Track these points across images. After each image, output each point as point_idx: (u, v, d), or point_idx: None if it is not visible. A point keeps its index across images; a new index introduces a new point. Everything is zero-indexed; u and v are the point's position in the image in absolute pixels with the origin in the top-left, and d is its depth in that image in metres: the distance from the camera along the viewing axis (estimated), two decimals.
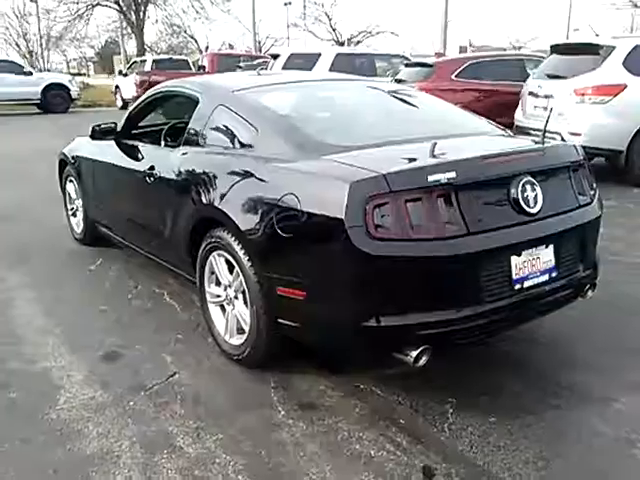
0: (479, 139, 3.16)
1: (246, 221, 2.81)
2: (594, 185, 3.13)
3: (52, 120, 17.04)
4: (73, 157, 4.93)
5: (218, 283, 3.19)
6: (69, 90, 19.76)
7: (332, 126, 3.18)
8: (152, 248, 3.93)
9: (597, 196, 3.11)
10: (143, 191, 3.76)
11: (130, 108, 4.44)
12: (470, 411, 2.71)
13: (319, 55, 11.71)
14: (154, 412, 2.75)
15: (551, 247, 2.77)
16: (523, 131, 7.23)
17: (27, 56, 37.47)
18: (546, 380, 2.96)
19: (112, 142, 4.24)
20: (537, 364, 3.13)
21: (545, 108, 7.43)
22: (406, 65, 10.54)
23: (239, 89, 3.38)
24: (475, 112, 3.65)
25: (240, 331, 3.07)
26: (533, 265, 2.70)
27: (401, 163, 2.55)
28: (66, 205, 5.36)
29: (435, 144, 2.65)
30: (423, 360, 2.51)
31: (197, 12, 32.53)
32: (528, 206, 2.65)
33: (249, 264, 2.84)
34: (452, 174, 2.47)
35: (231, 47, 40.71)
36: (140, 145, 4.02)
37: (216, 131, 3.31)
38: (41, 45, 35.01)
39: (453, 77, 9.56)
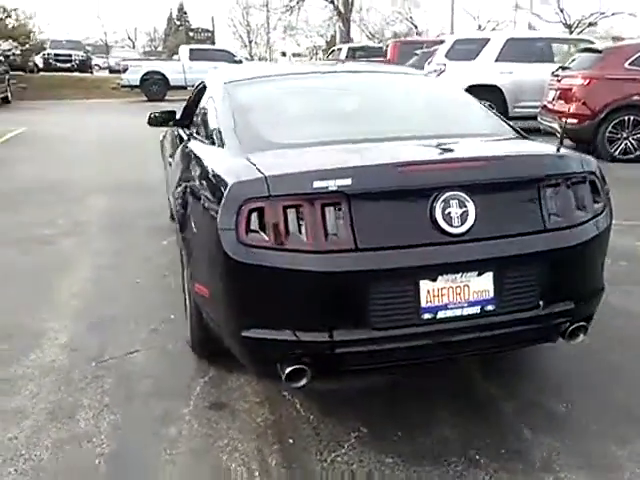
0: (453, 142, 2.75)
1: (178, 215, 2.83)
2: (593, 205, 2.54)
3: None
4: None
5: None
6: None
7: (292, 122, 3.00)
8: None
9: (596, 219, 2.53)
10: None
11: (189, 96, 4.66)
12: (371, 447, 2.44)
13: (487, 41, 10.96)
14: (86, 383, 2.93)
15: (488, 275, 2.33)
16: None
17: (247, 45, 40.81)
18: None
19: None
20: None
21: None
22: (580, 51, 9.40)
23: (231, 81, 3.36)
24: None
25: None
26: (457, 294, 2.31)
27: (310, 166, 2.35)
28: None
29: (382, 146, 2.41)
30: (303, 381, 2.31)
31: None
32: (450, 225, 2.26)
33: (184, 255, 2.87)
34: (346, 181, 2.21)
35: (418, 34, 39.74)
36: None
37: (202, 123, 3.35)
38: (267, 34, 37.81)
39: (627, 65, 8.30)
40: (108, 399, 2.80)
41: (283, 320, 2.27)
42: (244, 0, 37.57)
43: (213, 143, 2.90)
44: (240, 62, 21.04)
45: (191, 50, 20.76)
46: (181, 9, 55.36)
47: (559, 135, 8.59)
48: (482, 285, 2.33)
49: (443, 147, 2.62)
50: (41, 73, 25.86)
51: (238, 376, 2.93)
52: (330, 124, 2.96)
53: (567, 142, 9.30)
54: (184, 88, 18.34)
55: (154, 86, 20.16)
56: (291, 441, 2.50)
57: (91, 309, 3.79)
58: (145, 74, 20.06)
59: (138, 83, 20.14)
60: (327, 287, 2.22)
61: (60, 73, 25.24)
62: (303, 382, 2.32)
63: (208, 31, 46.71)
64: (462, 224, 2.27)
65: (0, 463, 2.35)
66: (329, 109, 3.13)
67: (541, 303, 2.42)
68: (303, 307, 2.26)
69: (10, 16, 24.33)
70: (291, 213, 2.21)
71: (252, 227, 2.23)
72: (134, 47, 57.83)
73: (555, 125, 8.58)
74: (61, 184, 7.35)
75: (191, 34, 45.27)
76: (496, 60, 10.78)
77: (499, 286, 2.34)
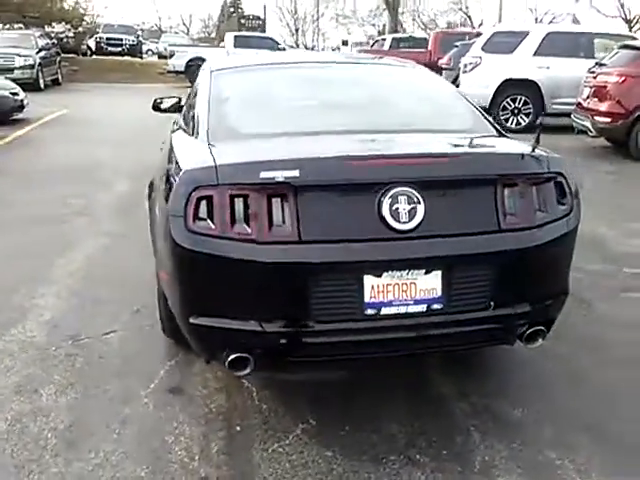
0: (419, 137, 2.71)
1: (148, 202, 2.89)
2: (557, 207, 2.46)
3: None
4: None
5: None
6: None
7: (264, 112, 2.99)
8: None
9: (559, 221, 2.45)
10: None
11: None
12: (316, 440, 2.45)
13: (526, 34, 10.65)
14: (58, 361, 3.02)
15: (436, 273, 2.29)
16: None
17: (294, 34, 40.79)
18: None
19: None
20: None
21: None
22: (620, 47, 9.04)
23: (217, 69, 3.38)
24: None
25: None
26: (403, 291, 2.28)
27: (260, 157, 2.35)
28: None
29: (343, 138, 2.43)
30: (247, 370, 2.34)
31: None
32: (397, 221, 2.23)
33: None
34: (294, 173, 2.21)
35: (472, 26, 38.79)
36: None
37: (185, 111, 3.40)
38: (315, 22, 37.71)
39: None
40: (75, 377, 2.89)
41: (227, 309, 2.29)
42: None
43: (190, 131, 2.93)
44: (284, 50, 21.10)
45: (236, 37, 20.93)
46: None
47: (591, 134, 8.33)
48: (430, 283, 2.30)
49: (403, 142, 2.59)
50: (94, 56, 26.52)
51: (200, 361, 2.97)
52: (303, 115, 2.95)
53: (600, 141, 9.00)
54: None
55: (198, 72, 20.37)
56: (238, 429, 2.53)
57: (82, 288, 3.90)
58: (190, 60, 20.29)
59: (183, 69, 20.41)
60: (269, 278, 2.22)
61: (111, 57, 25.84)
62: (247, 371, 2.34)
63: (259, 18, 46.95)
64: (410, 221, 2.24)
65: None
66: (306, 100, 3.12)
67: (492, 304, 2.36)
68: (246, 297, 2.27)
69: None
70: (238, 202, 2.22)
71: (201, 215, 2.24)
72: (188, 33, 58.68)
73: (587, 124, 8.31)
74: (89, 166, 7.53)
75: (242, 21, 45.61)
76: (534, 54, 10.49)
77: (448, 285, 2.30)
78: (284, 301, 2.25)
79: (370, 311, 2.27)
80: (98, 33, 27.74)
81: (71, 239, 4.81)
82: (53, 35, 23.01)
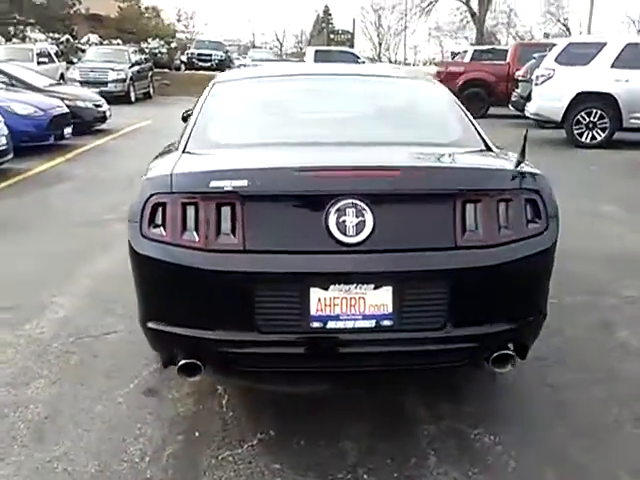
0: (388, 150, 2.65)
1: None
2: (527, 226, 2.33)
3: None
4: None
5: None
6: None
7: (247, 123, 3.02)
8: None
9: (528, 240, 2.32)
10: None
11: None
12: (269, 451, 2.44)
13: (604, 45, 10.09)
14: (55, 356, 3.19)
15: (387, 289, 2.23)
16: None
17: (376, 46, 40.76)
18: None
19: None
20: None
21: None
22: None
23: (221, 80, 3.46)
24: None
25: None
26: (352, 305, 2.24)
27: (214, 166, 2.41)
28: None
29: (306, 150, 2.47)
30: (197, 376, 2.37)
31: None
32: (344, 234, 2.20)
33: None
34: (242, 182, 2.23)
35: (546, 36, 37.02)
36: None
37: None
38: (397, 36, 37.57)
39: None
40: (64, 373, 3.03)
41: (176, 315, 2.34)
42: (377, 2, 37.54)
43: (177, 141, 3.02)
44: (363, 62, 21.21)
45: (316, 52, 21.21)
46: (326, 11, 56.70)
47: None
48: (379, 299, 2.24)
49: (366, 154, 2.55)
50: (187, 71, 27.77)
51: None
52: (283, 126, 2.97)
53: None
54: None
55: None
56: (197, 434, 2.56)
57: (102, 289, 4.09)
58: None
59: None
60: (214, 286, 2.25)
61: (201, 71, 26.93)
62: (197, 377, 2.37)
63: (348, 32, 47.47)
64: (357, 234, 2.20)
65: None
66: (291, 111, 3.14)
67: (447, 324, 2.27)
68: (193, 304, 2.31)
69: (159, 16, 26.37)
70: (189, 210, 2.27)
71: (156, 222, 2.31)
72: (281, 49, 60.27)
73: None
74: None
75: (332, 36, 46.27)
76: (612, 66, 9.93)
77: (399, 302, 2.24)
78: (229, 310, 2.26)
79: (316, 324, 2.24)
80: (189, 49, 29.06)
81: (108, 243, 5.04)
82: (147, 50, 24.34)
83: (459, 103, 3.19)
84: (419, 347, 2.30)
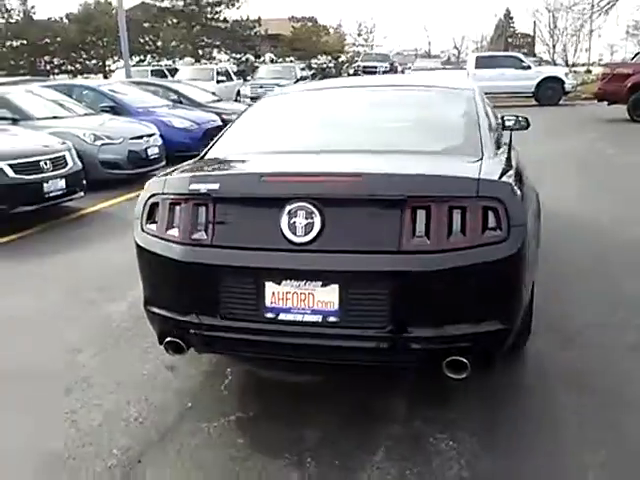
0: (369, 157, 2.81)
1: None
2: (482, 233, 2.34)
3: (536, 112, 17.64)
4: None
5: None
6: (563, 83, 19.90)
7: (264, 134, 3.32)
8: None
9: (482, 248, 2.32)
10: None
11: None
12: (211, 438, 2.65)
13: None
14: (111, 330, 3.74)
15: (333, 287, 2.40)
16: None
17: (550, 50, 38.23)
18: None
19: None
20: None
21: None
22: None
23: (277, 94, 3.82)
24: None
25: None
26: (302, 300, 2.44)
27: (198, 172, 2.78)
28: None
29: (295, 158, 2.77)
30: (182, 354, 2.72)
31: None
32: (294, 234, 2.40)
33: None
34: (214, 186, 2.55)
35: None
36: None
37: None
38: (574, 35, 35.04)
39: None
40: (115, 343, 3.57)
41: (163, 299, 2.71)
42: (551, 2, 35.32)
43: None
44: (528, 68, 20.32)
45: (477, 58, 20.79)
46: (507, 14, 54.80)
47: None
48: (327, 296, 2.41)
49: (344, 161, 2.73)
50: None
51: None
52: (293, 136, 3.23)
53: None
54: None
55: None
56: (189, 405, 2.89)
57: None
58: None
59: None
60: (186, 275, 2.58)
61: None
62: (182, 354, 2.73)
63: (528, 36, 45.42)
64: (305, 235, 2.39)
65: None
66: (309, 122, 3.37)
67: (390, 325, 2.36)
68: (173, 291, 2.67)
69: (329, 34, 27.73)
70: (175, 209, 2.63)
71: (152, 218, 2.71)
72: (458, 55, 59.52)
73: None
74: None
75: (510, 40, 44.62)
76: None
77: (344, 300, 2.39)
78: (199, 297, 2.59)
79: (270, 315, 2.47)
80: (356, 62, 30.10)
81: None
82: (316, 65, 25.71)
83: (481, 113, 3.18)
84: (363, 344, 2.42)
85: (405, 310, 2.37)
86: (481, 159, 2.74)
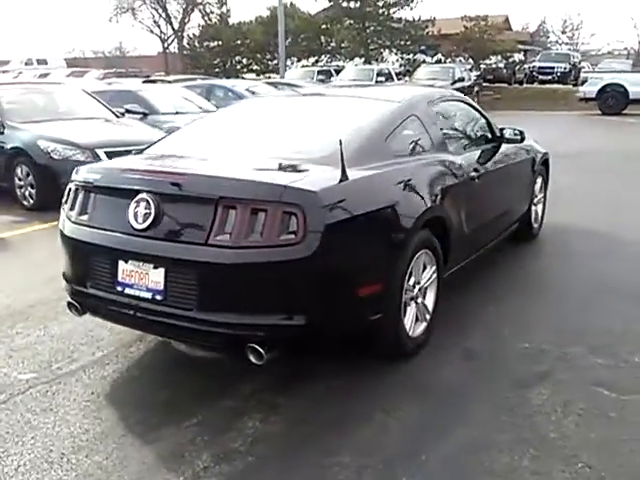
0: (237, 161, 3.13)
1: None
2: (279, 234, 2.55)
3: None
4: None
5: None
6: None
7: (188, 137, 3.78)
8: None
9: (281, 249, 2.55)
10: None
11: None
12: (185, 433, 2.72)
13: None
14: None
15: (161, 270, 2.77)
16: None
17: None
18: None
19: None
20: None
21: None
22: None
23: (258, 96, 4.23)
24: None
25: None
26: (141, 278, 2.84)
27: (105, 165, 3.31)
28: None
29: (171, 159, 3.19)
30: (84, 315, 3.26)
31: None
32: (135, 220, 2.81)
33: None
34: (95, 176, 3.07)
35: None
36: None
37: None
38: None
39: None
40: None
41: (65, 269, 3.26)
42: None
43: None
44: None
45: None
46: None
47: None
48: (156, 277, 2.79)
49: (211, 164, 3.10)
50: (524, 85, 27.41)
51: None
52: (197, 142, 3.65)
53: None
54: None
55: (611, 99, 19.16)
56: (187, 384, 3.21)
57: None
58: (604, 86, 19.24)
59: (594, 96, 19.49)
60: (71, 247, 3.15)
61: (537, 85, 26.24)
62: (80, 316, 3.27)
63: None
64: (143, 222, 2.80)
65: None
66: (231, 130, 3.80)
67: (195, 308, 2.68)
68: (69, 262, 3.21)
69: (501, 33, 26.69)
70: (78, 194, 3.18)
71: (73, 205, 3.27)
72: None
73: None
74: None
75: None
76: None
77: (167, 282, 2.75)
78: (79, 267, 3.12)
79: (119, 288, 2.91)
80: (533, 62, 28.48)
81: None
82: (485, 66, 24.97)
83: (382, 125, 3.31)
84: (177, 323, 2.75)
85: (209, 297, 2.67)
86: (339, 170, 2.81)
